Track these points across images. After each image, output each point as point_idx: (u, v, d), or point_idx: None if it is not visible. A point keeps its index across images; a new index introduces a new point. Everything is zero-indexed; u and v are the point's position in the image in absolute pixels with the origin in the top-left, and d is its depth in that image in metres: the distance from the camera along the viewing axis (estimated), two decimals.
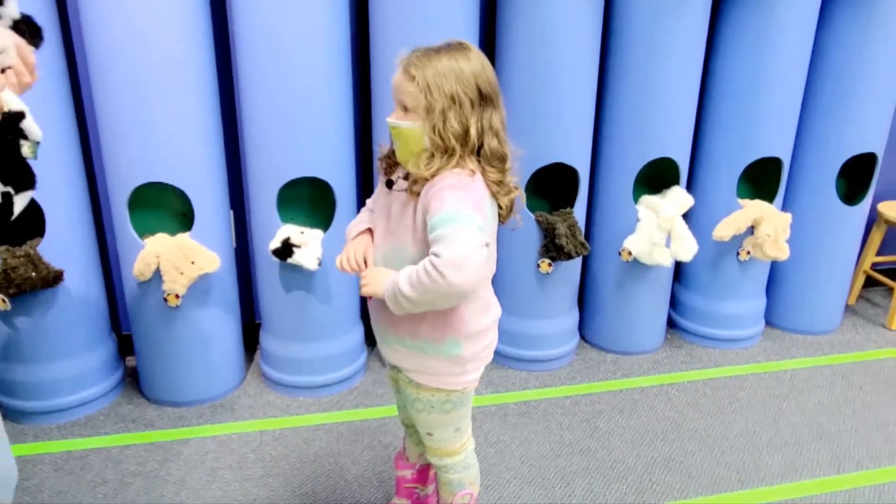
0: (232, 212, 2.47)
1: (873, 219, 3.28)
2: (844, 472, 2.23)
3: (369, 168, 2.64)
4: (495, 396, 2.59)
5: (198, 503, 2.04)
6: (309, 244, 2.30)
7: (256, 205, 2.39)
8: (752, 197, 2.85)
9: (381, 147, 1.56)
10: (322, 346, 2.54)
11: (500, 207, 1.43)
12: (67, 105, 2.23)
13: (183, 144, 2.20)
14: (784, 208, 2.90)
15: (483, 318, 1.53)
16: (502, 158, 1.41)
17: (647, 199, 2.69)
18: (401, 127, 1.37)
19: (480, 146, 1.39)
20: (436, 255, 1.29)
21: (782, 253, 2.73)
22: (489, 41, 2.51)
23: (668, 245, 2.64)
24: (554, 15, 2.29)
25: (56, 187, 2.22)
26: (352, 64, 2.35)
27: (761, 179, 2.84)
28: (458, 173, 1.36)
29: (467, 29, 2.27)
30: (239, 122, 2.46)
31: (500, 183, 1.41)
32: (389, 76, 2.24)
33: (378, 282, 1.43)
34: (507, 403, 2.55)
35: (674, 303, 3.05)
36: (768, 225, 2.71)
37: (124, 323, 2.75)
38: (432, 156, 1.36)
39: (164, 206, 2.36)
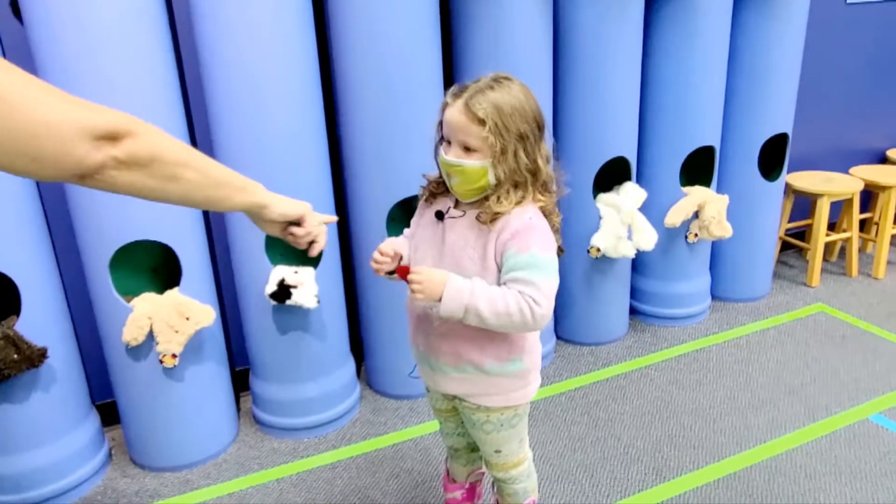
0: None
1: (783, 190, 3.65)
2: (818, 420, 2.50)
3: (342, 199, 2.63)
4: None
5: None
6: (304, 283, 2.28)
7: (243, 247, 2.32)
8: (691, 184, 3.09)
9: (426, 176, 1.57)
10: (320, 384, 2.50)
11: None
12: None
13: None
14: (718, 191, 3.17)
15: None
16: (551, 182, 1.47)
17: (605, 198, 2.86)
18: (465, 166, 1.39)
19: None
20: (535, 301, 1.36)
21: (727, 231, 2.99)
22: (447, 63, 2.58)
23: (629, 237, 2.82)
24: (512, 30, 2.39)
25: (27, 259, 2.06)
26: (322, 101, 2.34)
27: (695, 168, 3.09)
28: (530, 208, 1.42)
29: (428, 61, 2.31)
30: None
31: (550, 208, 1.48)
32: (356, 106, 2.30)
33: (435, 286, 1.39)
34: None
35: (632, 291, 3.25)
36: (712, 207, 2.96)
37: (97, 392, 2.57)
38: (508, 191, 1.40)
39: (131, 264, 2.24)
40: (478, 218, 1.43)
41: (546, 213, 1.47)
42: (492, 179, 1.40)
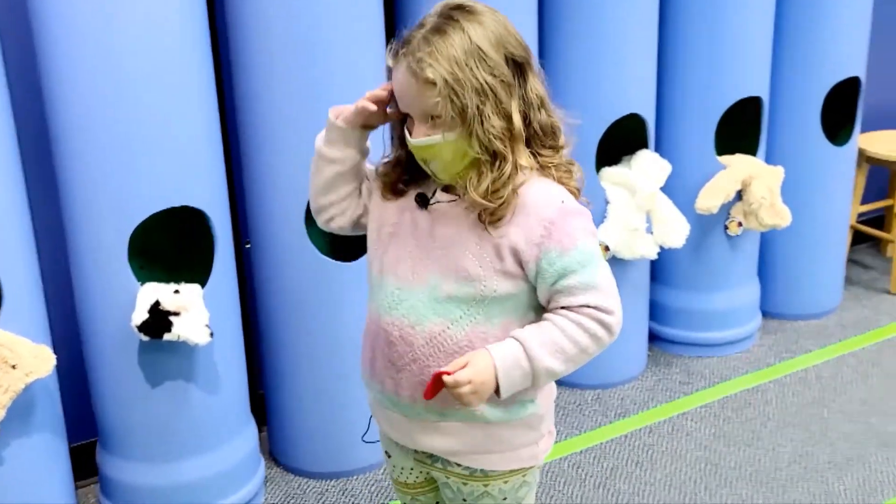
0: None
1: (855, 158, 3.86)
2: None
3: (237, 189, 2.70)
4: None
5: None
6: (190, 308, 2.30)
7: (89, 252, 2.34)
8: (730, 152, 3.25)
9: (383, 158, 1.67)
10: (206, 461, 2.53)
11: None
12: None
13: None
14: (768, 161, 3.35)
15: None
16: (554, 132, 1.57)
17: (612, 173, 3.00)
18: (435, 143, 1.50)
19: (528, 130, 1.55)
20: (602, 310, 1.50)
21: (783, 217, 3.19)
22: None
23: (648, 230, 2.97)
24: None
25: None
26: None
27: (736, 129, 3.27)
28: (542, 183, 1.54)
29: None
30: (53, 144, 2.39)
31: (558, 166, 1.58)
32: (255, 66, 2.38)
33: (487, 381, 1.48)
34: None
35: (650, 307, 3.41)
36: (761, 185, 3.15)
37: None
38: (480, 171, 1.50)
39: None
40: (480, 218, 1.53)
41: (556, 173, 1.58)
42: (476, 150, 1.50)
